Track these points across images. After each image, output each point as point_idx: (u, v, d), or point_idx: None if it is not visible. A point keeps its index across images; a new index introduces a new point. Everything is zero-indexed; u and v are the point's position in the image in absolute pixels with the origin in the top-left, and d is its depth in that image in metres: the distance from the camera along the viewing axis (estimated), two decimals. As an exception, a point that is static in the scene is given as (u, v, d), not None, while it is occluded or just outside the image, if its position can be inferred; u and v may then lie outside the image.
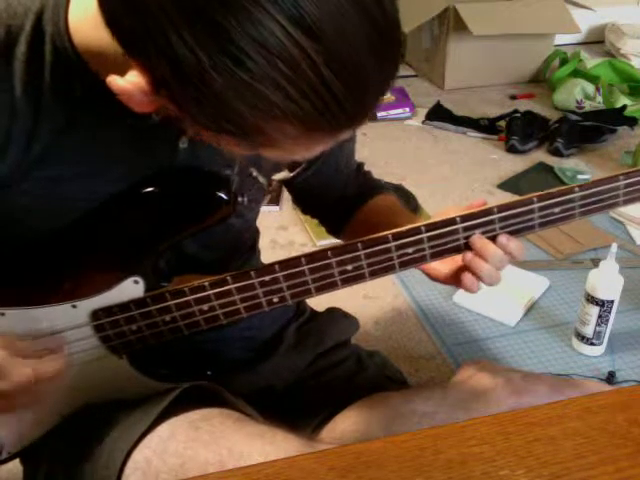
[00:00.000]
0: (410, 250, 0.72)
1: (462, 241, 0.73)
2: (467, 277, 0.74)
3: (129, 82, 0.53)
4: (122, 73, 0.54)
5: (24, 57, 0.61)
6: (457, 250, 0.73)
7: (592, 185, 0.72)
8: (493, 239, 0.73)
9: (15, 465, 0.88)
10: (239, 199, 0.71)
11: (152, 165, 0.70)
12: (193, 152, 0.72)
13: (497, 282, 0.74)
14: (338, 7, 0.48)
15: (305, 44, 0.48)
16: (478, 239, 0.72)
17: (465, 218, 0.72)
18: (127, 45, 0.52)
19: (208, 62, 0.48)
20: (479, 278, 0.74)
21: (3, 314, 0.72)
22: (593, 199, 0.72)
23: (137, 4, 0.49)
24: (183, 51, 0.48)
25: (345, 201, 0.97)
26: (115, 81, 0.54)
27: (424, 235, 0.71)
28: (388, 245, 0.71)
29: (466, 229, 0.72)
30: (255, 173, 0.72)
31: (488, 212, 0.72)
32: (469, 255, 0.73)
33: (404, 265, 0.73)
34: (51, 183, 0.67)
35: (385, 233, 0.71)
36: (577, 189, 0.72)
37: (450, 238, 0.72)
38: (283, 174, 0.82)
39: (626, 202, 0.73)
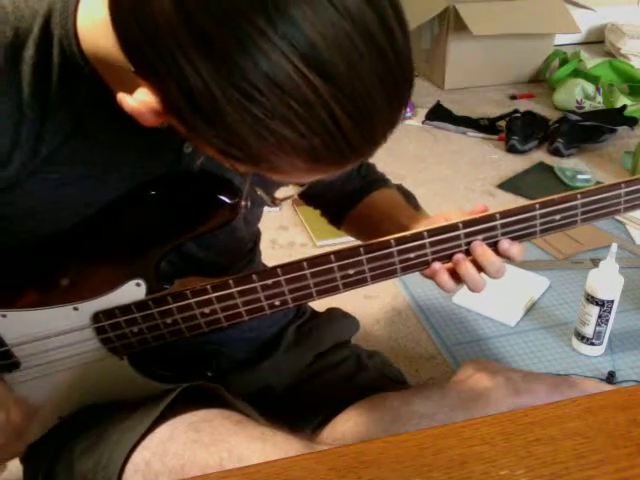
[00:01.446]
0: (412, 255, 0.72)
1: (464, 247, 0.73)
2: (444, 276, 0.74)
3: (139, 101, 0.53)
4: (131, 85, 0.54)
5: (32, 60, 0.61)
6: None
7: (593, 193, 0.72)
8: (494, 245, 0.73)
9: (15, 465, 0.88)
10: (243, 202, 0.71)
11: (157, 169, 0.70)
12: (198, 156, 0.72)
13: (481, 289, 0.74)
14: (351, 47, 0.48)
15: (318, 84, 0.48)
16: (479, 246, 0.72)
17: (467, 224, 0.72)
18: (139, 65, 0.52)
19: (221, 96, 0.49)
20: (466, 282, 0.74)
21: (5, 315, 0.72)
22: (594, 206, 0.73)
23: (150, 28, 0.49)
24: (196, 81, 0.49)
25: (347, 194, 0.97)
26: (125, 100, 0.54)
27: (426, 240, 0.71)
28: (390, 250, 0.71)
29: (468, 235, 0.72)
30: (259, 191, 0.73)
31: (490, 218, 0.72)
32: (463, 267, 0.73)
33: (406, 270, 0.73)
34: (56, 184, 0.67)
35: (387, 238, 0.71)
36: (579, 196, 0.72)
37: (452, 244, 0.72)
38: (288, 191, 0.81)
39: (627, 209, 0.74)
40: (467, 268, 0.73)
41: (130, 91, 0.54)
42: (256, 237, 0.95)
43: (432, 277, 0.75)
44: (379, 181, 0.99)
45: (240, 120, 0.50)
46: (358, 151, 0.54)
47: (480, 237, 0.72)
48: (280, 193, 0.81)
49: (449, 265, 0.75)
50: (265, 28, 0.47)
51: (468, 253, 0.73)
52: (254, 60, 0.47)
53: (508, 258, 0.74)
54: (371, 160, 1.02)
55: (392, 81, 0.52)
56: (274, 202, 0.76)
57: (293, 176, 0.57)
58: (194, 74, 0.48)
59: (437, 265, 0.73)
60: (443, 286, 0.75)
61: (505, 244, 0.73)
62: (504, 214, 0.72)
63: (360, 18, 0.48)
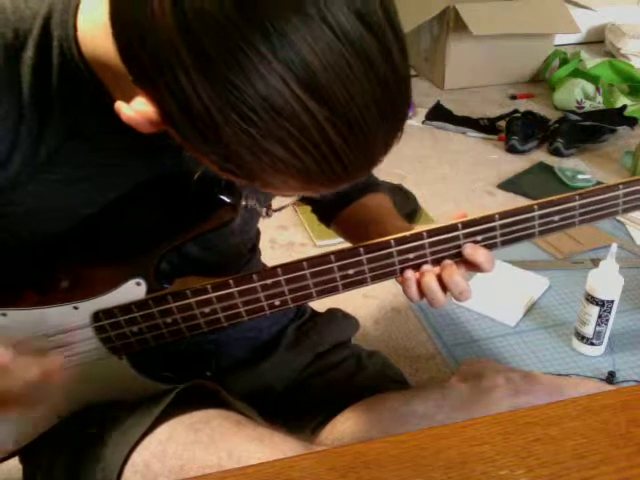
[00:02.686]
0: (412, 255, 0.72)
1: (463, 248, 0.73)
2: (412, 286, 0.73)
3: (137, 111, 0.54)
4: (129, 92, 0.54)
5: (31, 61, 0.61)
6: (458, 256, 0.73)
7: (592, 194, 0.72)
8: (493, 247, 0.73)
9: (15, 465, 0.88)
10: (242, 203, 0.71)
11: (156, 170, 0.70)
12: (197, 159, 0.72)
13: (440, 305, 0.73)
14: (349, 71, 0.49)
15: (313, 107, 0.49)
16: (449, 265, 0.72)
17: (467, 224, 0.72)
18: (137, 76, 0.52)
19: (219, 116, 0.49)
20: (426, 294, 0.73)
21: (5, 314, 0.72)
22: (593, 207, 0.73)
23: (151, 43, 0.49)
24: (194, 100, 0.49)
25: (341, 194, 0.97)
26: (123, 109, 0.54)
27: (426, 241, 0.72)
28: (390, 250, 0.71)
29: (467, 235, 0.72)
30: (253, 202, 0.73)
31: (489, 219, 0.72)
32: (426, 279, 0.72)
33: (405, 270, 0.73)
34: (57, 185, 0.67)
35: (387, 238, 0.71)
36: (577, 197, 0.72)
37: (451, 244, 0.72)
38: (284, 201, 0.81)
39: (625, 211, 0.74)
40: (429, 282, 0.72)
41: (128, 98, 0.54)
42: (256, 237, 0.95)
43: (401, 284, 0.75)
44: (373, 185, 0.99)
45: (236, 140, 0.50)
46: (351, 173, 0.54)
47: (479, 237, 0.72)
48: (276, 202, 0.81)
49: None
50: (264, 51, 0.47)
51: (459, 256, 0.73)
52: (252, 83, 0.48)
53: (476, 266, 0.73)
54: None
55: (389, 105, 0.52)
56: (268, 213, 0.76)
57: (288, 192, 0.57)
58: (193, 93, 0.49)
59: (409, 273, 0.73)
60: (408, 296, 0.74)
61: (468, 249, 0.72)
62: (503, 215, 0.72)
63: (358, 43, 0.49)
